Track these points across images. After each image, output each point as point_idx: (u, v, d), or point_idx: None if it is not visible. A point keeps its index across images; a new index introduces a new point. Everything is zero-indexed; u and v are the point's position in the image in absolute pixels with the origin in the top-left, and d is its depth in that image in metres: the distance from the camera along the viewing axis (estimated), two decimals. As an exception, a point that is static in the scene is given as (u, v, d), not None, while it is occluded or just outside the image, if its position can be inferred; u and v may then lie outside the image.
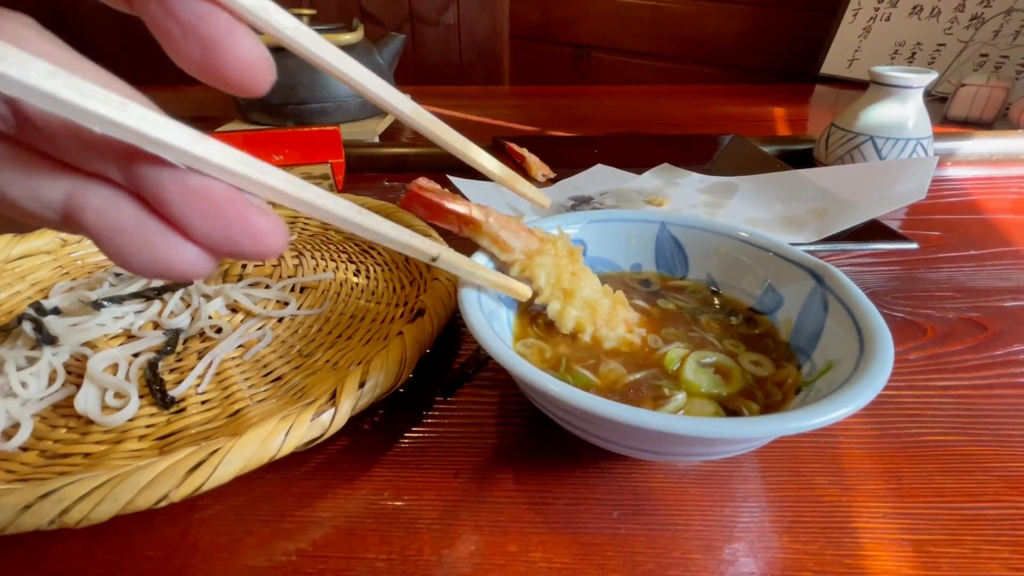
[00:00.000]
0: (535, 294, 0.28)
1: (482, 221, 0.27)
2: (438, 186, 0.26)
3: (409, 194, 0.26)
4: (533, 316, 0.30)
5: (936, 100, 0.90)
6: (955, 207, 0.56)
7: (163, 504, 0.21)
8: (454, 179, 0.51)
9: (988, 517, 0.24)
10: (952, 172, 0.64)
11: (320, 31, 0.74)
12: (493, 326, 0.25)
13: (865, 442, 0.28)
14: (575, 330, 0.28)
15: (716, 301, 0.32)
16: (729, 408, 0.25)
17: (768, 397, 0.25)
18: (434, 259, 0.22)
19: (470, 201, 0.27)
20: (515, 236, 0.27)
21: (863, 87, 0.58)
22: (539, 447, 0.28)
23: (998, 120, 0.80)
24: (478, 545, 0.23)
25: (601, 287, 0.29)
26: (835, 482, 0.25)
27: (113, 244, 0.14)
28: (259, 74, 0.14)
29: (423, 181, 0.26)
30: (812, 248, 0.42)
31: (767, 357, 0.27)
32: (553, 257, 0.28)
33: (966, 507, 0.24)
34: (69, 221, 0.14)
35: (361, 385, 0.26)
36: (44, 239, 0.42)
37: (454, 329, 0.36)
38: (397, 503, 0.25)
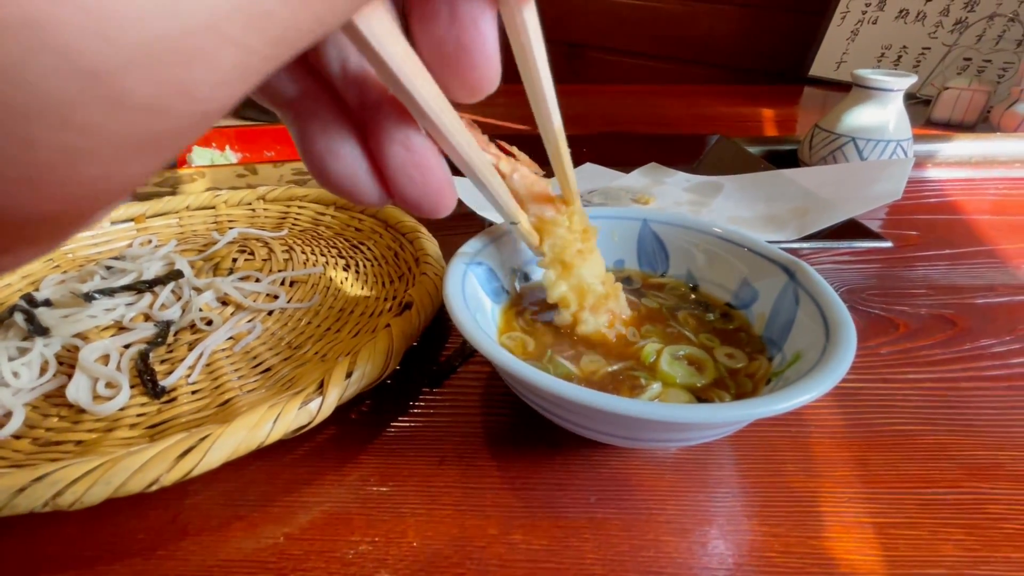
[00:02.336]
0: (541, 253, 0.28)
1: (507, 175, 0.26)
2: (478, 129, 0.26)
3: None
4: (519, 311, 0.31)
5: (920, 103, 0.92)
6: (934, 207, 0.57)
7: (154, 488, 0.22)
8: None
9: (946, 502, 0.25)
10: (932, 173, 0.66)
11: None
12: (478, 320, 0.26)
13: (835, 431, 0.29)
14: (559, 303, 0.29)
15: (693, 297, 0.33)
16: (702, 398, 0.26)
17: (739, 388, 0.26)
18: (514, 223, 0.26)
19: (500, 152, 0.26)
20: (533, 200, 0.27)
21: (850, 89, 0.60)
22: (521, 436, 0.28)
23: (979, 123, 0.82)
24: (461, 528, 0.24)
25: (604, 273, 0.29)
26: (804, 469, 0.26)
27: (317, 170, 0.16)
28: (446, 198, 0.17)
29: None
30: (793, 246, 0.43)
31: (741, 350, 0.28)
32: (565, 229, 0.28)
33: (926, 492, 0.25)
34: (288, 121, 0.16)
35: (348, 375, 0.27)
36: (35, 232, 0.43)
37: (441, 323, 0.37)
38: (383, 489, 0.25)
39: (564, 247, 0.28)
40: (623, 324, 0.30)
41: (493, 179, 0.21)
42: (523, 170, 0.27)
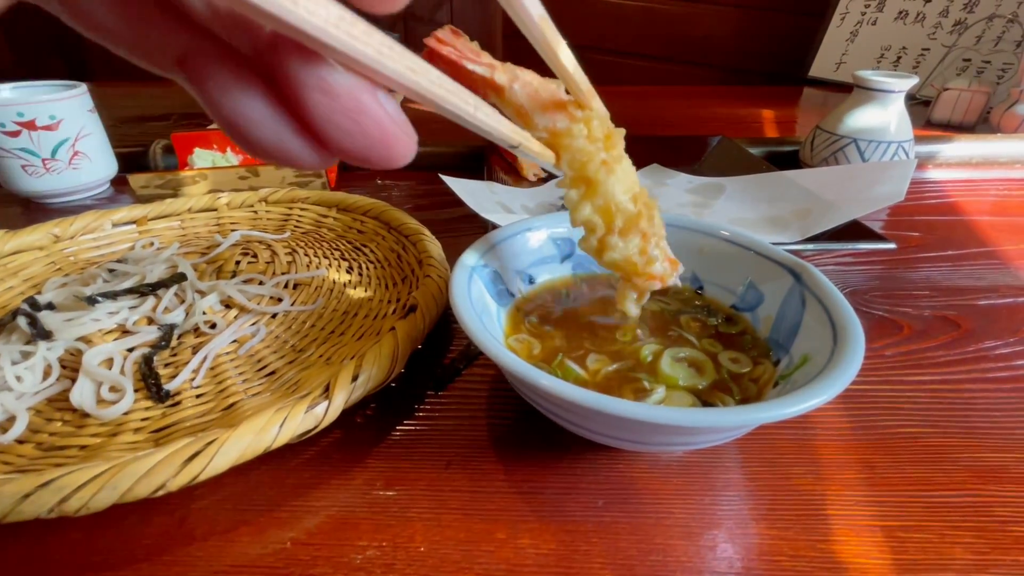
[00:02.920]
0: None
1: (505, 87, 0.22)
2: (464, 38, 0.22)
3: (428, 49, 0.22)
4: (525, 313, 0.31)
5: (920, 104, 0.92)
6: (935, 208, 0.57)
7: (160, 493, 0.22)
8: (446, 178, 0.51)
9: (954, 505, 0.25)
10: (933, 174, 0.66)
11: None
12: (483, 322, 0.25)
13: (841, 434, 0.29)
14: (584, 227, 0.25)
15: (697, 302, 0.33)
16: (706, 402, 0.26)
17: (744, 392, 0.26)
18: (515, 147, 0.21)
19: (494, 61, 0.23)
20: (542, 110, 0.23)
21: (850, 90, 0.60)
22: (527, 439, 0.28)
23: (979, 123, 0.82)
24: (468, 533, 0.24)
25: (635, 187, 0.25)
26: (811, 472, 0.26)
27: (233, 131, 0.14)
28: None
29: (444, 33, 0.22)
30: (795, 248, 0.43)
31: (745, 355, 0.28)
32: (584, 139, 0.23)
33: (934, 495, 0.25)
34: (185, 81, 0.14)
35: (354, 379, 0.27)
36: (37, 235, 0.43)
37: (445, 326, 0.37)
38: (389, 493, 0.25)
39: (586, 160, 0.23)
40: (658, 248, 0.26)
41: (466, 107, 0.17)
42: (525, 76, 0.23)
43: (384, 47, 0.13)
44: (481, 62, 0.22)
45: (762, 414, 0.19)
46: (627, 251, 0.25)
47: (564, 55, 0.21)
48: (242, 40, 0.14)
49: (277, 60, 0.13)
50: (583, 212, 0.24)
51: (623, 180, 0.24)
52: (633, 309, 0.28)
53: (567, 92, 0.23)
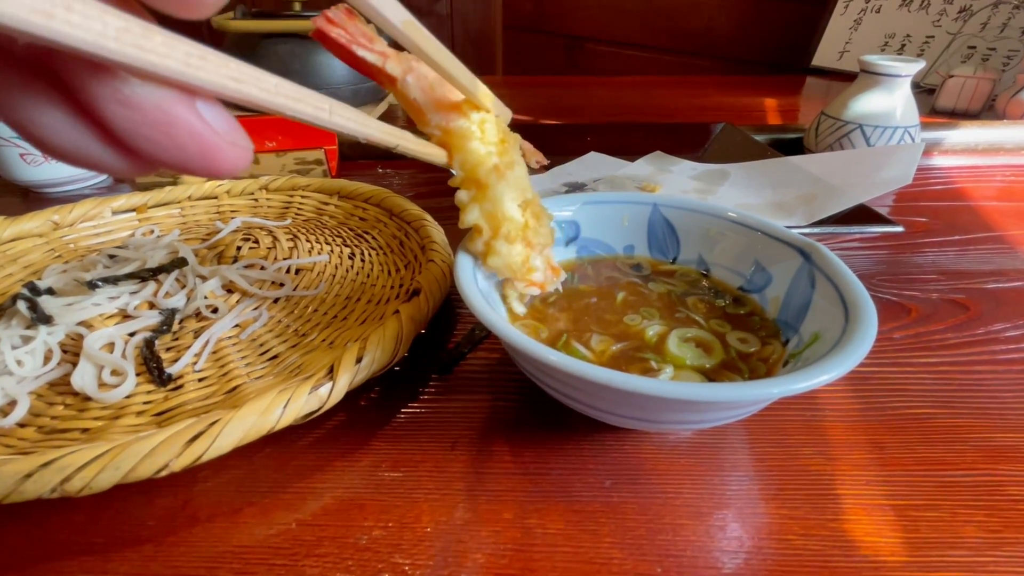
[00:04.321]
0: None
1: (398, 79, 0.21)
2: (359, 19, 0.21)
3: (316, 30, 0.20)
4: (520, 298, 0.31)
5: (924, 91, 0.91)
6: (941, 194, 0.57)
7: (164, 474, 0.21)
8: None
9: (965, 484, 0.25)
10: (938, 161, 0.65)
11: (311, 18, 0.74)
12: (489, 303, 0.25)
13: (850, 415, 0.28)
14: (472, 230, 0.25)
15: (704, 283, 0.32)
16: (715, 381, 0.25)
17: (753, 371, 0.26)
18: (392, 148, 0.20)
19: (388, 47, 0.22)
20: (435, 107, 0.22)
21: (853, 78, 0.59)
22: (533, 420, 0.28)
23: (984, 111, 0.82)
24: (475, 513, 0.23)
25: (527, 195, 0.25)
26: (820, 452, 0.26)
27: (36, 141, 0.12)
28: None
29: (335, 12, 0.21)
30: (802, 232, 0.42)
31: (754, 335, 0.28)
32: (477, 141, 0.23)
33: (945, 475, 0.25)
34: None
35: (358, 360, 0.26)
36: (36, 222, 0.42)
37: (448, 310, 0.37)
38: (395, 474, 0.25)
39: (476, 163, 0.23)
40: (541, 257, 0.26)
41: (319, 112, 0.16)
42: (421, 69, 0.22)
43: (193, 57, 0.12)
44: (373, 49, 0.21)
45: (776, 388, 0.18)
46: (510, 258, 0.26)
47: (443, 59, 0.20)
48: (18, 46, 0.11)
49: (64, 70, 0.11)
50: (471, 215, 0.25)
51: (514, 186, 0.24)
52: (517, 307, 0.29)
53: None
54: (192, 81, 0.12)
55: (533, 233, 0.26)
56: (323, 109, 0.16)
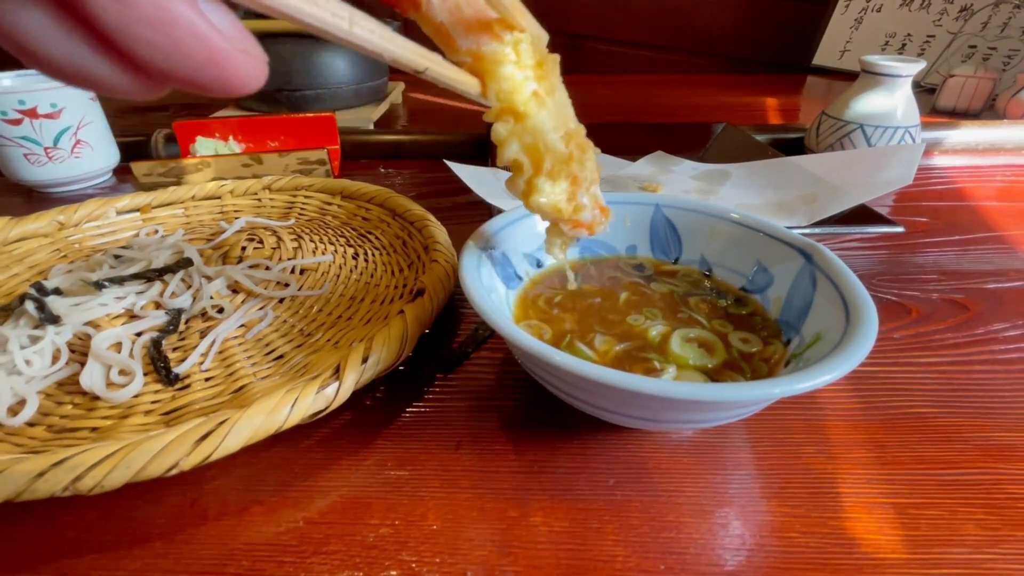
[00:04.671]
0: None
1: (422, 1, 0.20)
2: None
3: None
4: (533, 296, 0.31)
5: (925, 91, 0.91)
6: (941, 194, 0.57)
7: (173, 472, 0.22)
8: (451, 164, 0.51)
9: (965, 482, 0.25)
10: (939, 160, 0.66)
11: (314, 17, 0.74)
12: (493, 302, 0.25)
13: (850, 414, 0.29)
14: (511, 166, 0.23)
15: (707, 283, 0.33)
16: (717, 381, 0.26)
17: (755, 371, 0.26)
18: (420, 72, 0.18)
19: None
20: (465, 30, 0.20)
21: (854, 78, 0.59)
22: (537, 420, 0.28)
23: (985, 110, 0.82)
24: (480, 511, 0.24)
25: (569, 124, 0.23)
26: (821, 451, 0.26)
27: (24, 52, 0.11)
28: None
29: None
30: (802, 232, 0.43)
31: (756, 335, 0.28)
32: (513, 65, 0.21)
33: (945, 473, 0.25)
34: None
35: (364, 360, 0.27)
36: (41, 222, 0.43)
37: (452, 311, 0.37)
38: (400, 473, 0.25)
39: (513, 91, 0.21)
40: (588, 195, 0.24)
41: (337, 21, 0.14)
42: None
43: None
44: None
45: (778, 388, 0.19)
46: (555, 196, 0.23)
47: None
48: None
49: None
50: (510, 150, 0.22)
51: (555, 115, 0.22)
52: (559, 255, 0.27)
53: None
54: None
55: (579, 167, 0.23)
56: (342, 18, 0.14)
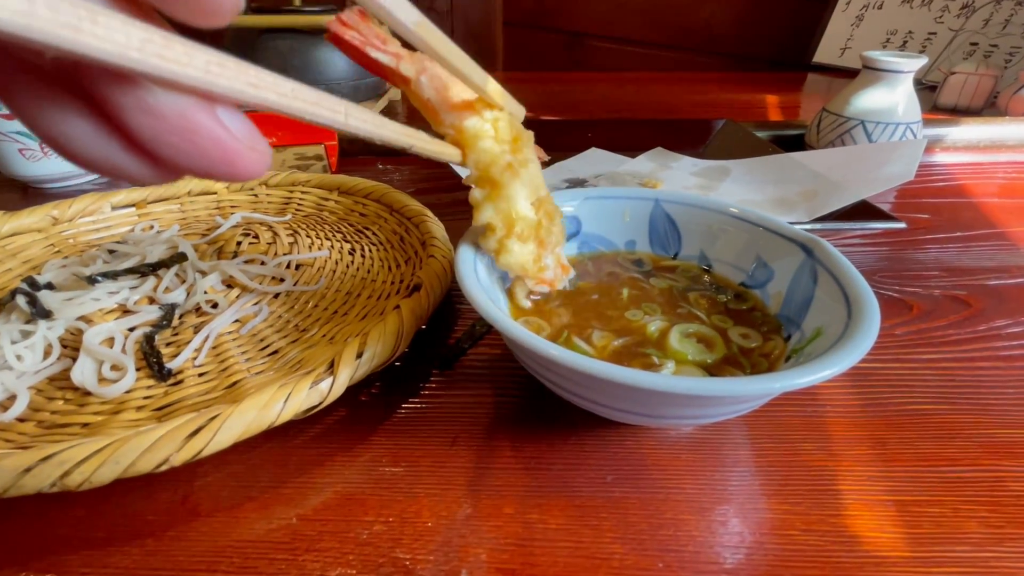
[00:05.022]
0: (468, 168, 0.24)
1: (412, 79, 0.22)
2: (372, 22, 0.21)
3: (331, 33, 0.21)
4: (529, 293, 0.31)
5: (926, 88, 0.91)
6: (943, 191, 0.57)
7: (164, 468, 0.21)
8: (456, 167, 0.51)
9: (967, 479, 0.24)
10: (940, 157, 0.65)
11: (313, 13, 0.73)
12: (490, 297, 0.25)
13: (851, 411, 0.28)
14: (486, 228, 0.25)
15: (706, 279, 0.32)
16: (716, 376, 0.25)
17: (755, 367, 0.26)
18: (406, 149, 0.21)
19: (401, 47, 0.22)
20: (449, 107, 0.23)
21: (855, 75, 0.59)
22: (534, 416, 0.28)
23: (986, 108, 0.81)
24: (476, 508, 0.23)
25: (539, 191, 0.26)
26: (822, 448, 0.26)
27: (61, 149, 0.13)
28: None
29: (349, 15, 0.21)
30: (804, 228, 0.42)
31: (755, 330, 0.28)
32: (491, 140, 0.23)
33: (947, 470, 0.25)
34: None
35: (359, 356, 0.26)
36: (35, 217, 0.42)
37: (449, 307, 0.37)
38: (395, 469, 0.25)
39: (490, 162, 0.23)
40: (552, 255, 0.27)
41: (335, 116, 0.16)
42: (434, 69, 0.22)
43: (214, 65, 0.12)
44: (387, 50, 0.21)
45: (778, 383, 0.18)
46: (522, 256, 0.26)
47: (456, 58, 0.20)
48: (45, 58, 0.11)
49: (90, 81, 0.12)
50: (485, 214, 0.25)
51: (527, 184, 0.25)
52: (524, 302, 0.29)
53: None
54: (212, 88, 0.12)
55: (546, 232, 0.26)
56: (339, 112, 0.16)
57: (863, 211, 0.43)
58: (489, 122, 0.23)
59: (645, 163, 0.58)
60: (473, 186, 0.25)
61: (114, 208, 0.45)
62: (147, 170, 0.14)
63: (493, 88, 0.23)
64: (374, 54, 0.21)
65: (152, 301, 0.34)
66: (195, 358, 0.31)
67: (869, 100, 0.57)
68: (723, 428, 0.27)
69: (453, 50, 0.20)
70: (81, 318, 0.32)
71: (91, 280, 0.33)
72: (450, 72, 0.21)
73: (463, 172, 0.25)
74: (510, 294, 0.29)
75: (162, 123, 0.12)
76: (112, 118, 0.12)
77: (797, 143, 0.66)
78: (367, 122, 0.18)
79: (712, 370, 0.26)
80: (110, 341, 0.31)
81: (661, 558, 0.21)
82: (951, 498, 0.24)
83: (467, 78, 0.22)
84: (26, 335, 0.30)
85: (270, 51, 0.72)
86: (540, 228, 0.26)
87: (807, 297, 0.27)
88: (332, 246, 0.42)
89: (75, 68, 0.12)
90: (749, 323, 0.28)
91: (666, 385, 0.18)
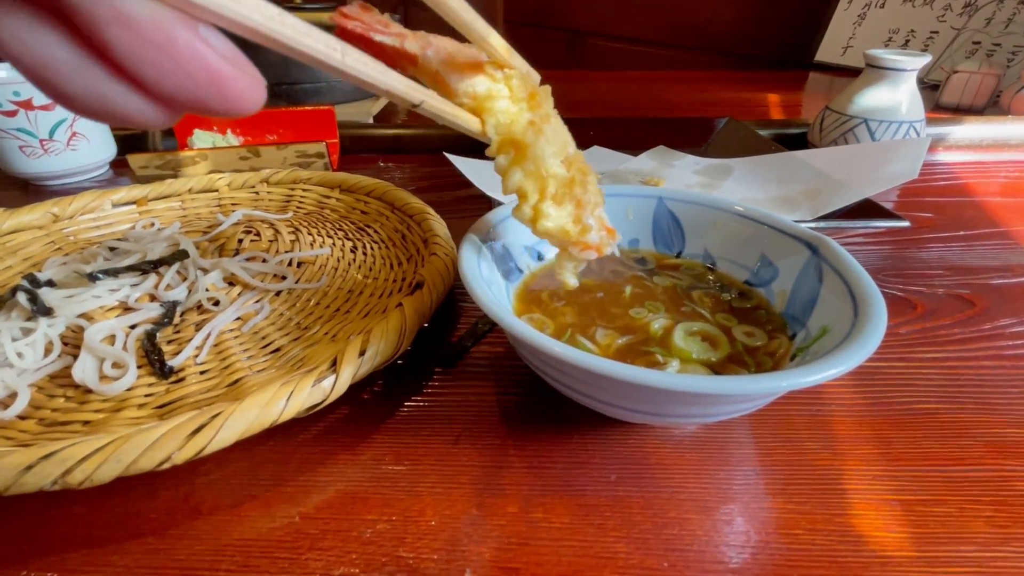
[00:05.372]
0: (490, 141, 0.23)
1: (418, 55, 0.21)
2: (373, 11, 0.21)
3: (338, 28, 0.21)
4: (534, 289, 0.31)
5: (928, 87, 0.91)
6: (945, 190, 0.57)
7: (166, 466, 0.21)
8: (451, 157, 0.51)
9: (972, 479, 0.24)
10: (943, 156, 0.65)
11: (313, 10, 0.73)
12: (494, 294, 0.25)
13: (856, 410, 0.28)
14: (517, 195, 0.24)
15: (710, 277, 0.32)
16: (721, 375, 0.25)
17: (760, 365, 0.26)
18: (415, 105, 0.20)
19: (405, 30, 0.22)
20: (461, 74, 0.22)
21: (857, 74, 0.59)
22: (537, 415, 0.28)
23: (989, 107, 0.81)
24: (479, 507, 0.23)
25: (568, 149, 0.24)
26: (826, 447, 0.26)
27: (50, 88, 0.12)
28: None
29: (350, 8, 0.21)
30: (807, 226, 0.42)
31: (760, 328, 0.28)
32: (506, 100, 0.22)
33: (952, 470, 0.25)
34: None
35: (361, 353, 0.26)
36: (36, 214, 0.42)
37: (452, 304, 0.37)
38: (398, 468, 0.25)
39: (511, 122, 0.22)
40: (594, 217, 0.25)
41: (331, 52, 0.15)
42: (439, 42, 0.21)
43: None
44: (390, 32, 0.21)
45: (785, 381, 0.18)
46: (561, 219, 0.24)
47: (463, 10, 0.20)
48: None
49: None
50: (514, 179, 0.23)
51: (553, 141, 0.23)
52: (571, 280, 0.27)
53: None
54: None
55: (582, 189, 0.24)
56: (335, 49, 0.15)
57: (867, 210, 0.43)
58: (501, 81, 0.22)
59: (647, 161, 0.58)
60: (496, 154, 0.23)
61: (115, 205, 0.45)
62: (137, 102, 0.13)
63: (496, 41, 0.22)
64: (378, 38, 0.21)
65: (153, 299, 0.34)
66: (197, 356, 0.30)
67: (872, 98, 0.56)
68: (727, 426, 0.27)
69: (464, 4, 0.19)
70: (82, 315, 0.32)
71: (92, 277, 0.33)
72: (459, 26, 0.20)
73: (481, 139, 0.23)
74: (559, 270, 0.27)
75: (137, 35, 0.12)
76: (89, 35, 0.12)
77: (799, 142, 0.66)
78: (367, 64, 0.16)
79: (717, 368, 0.26)
80: (111, 339, 0.31)
81: (666, 557, 0.21)
82: (956, 498, 0.23)
83: (479, 35, 0.21)
84: (27, 332, 0.30)
85: (270, 48, 0.71)
86: (575, 185, 0.24)
87: (813, 295, 0.26)
88: (334, 244, 0.41)
89: None
90: (754, 321, 0.28)
91: (672, 383, 0.18)
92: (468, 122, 0.22)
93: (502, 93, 0.22)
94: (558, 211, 0.24)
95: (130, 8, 0.11)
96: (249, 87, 0.13)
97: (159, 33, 0.12)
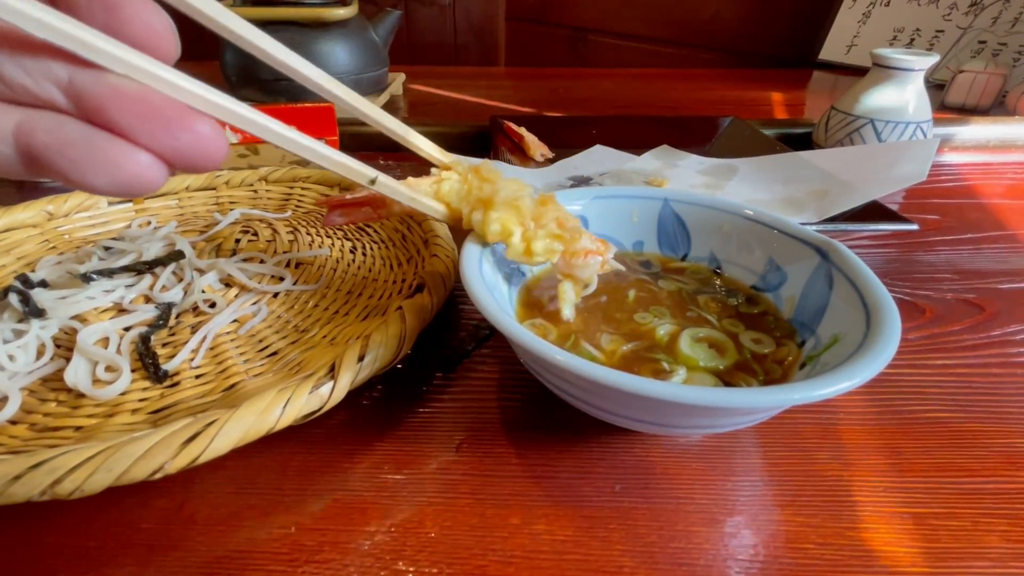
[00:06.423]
0: (460, 218, 0.27)
1: (385, 198, 0.26)
2: (339, 193, 0.27)
3: (327, 218, 0.29)
4: (537, 296, 0.30)
5: (934, 87, 0.90)
6: (952, 192, 0.56)
7: (158, 476, 0.21)
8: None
9: (986, 491, 0.24)
10: (949, 157, 0.64)
11: (314, 6, 0.72)
12: (495, 299, 0.24)
13: (865, 418, 0.28)
14: (502, 236, 0.26)
15: (717, 282, 0.31)
16: (729, 384, 0.24)
17: (768, 373, 0.25)
18: (372, 181, 0.24)
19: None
20: (413, 189, 0.26)
21: (861, 73, 0.58)
22: (540, 423, 0.27)
23: (995, 106, 0.81)
24: (481, 518, 0.23)
25: (523, 189, 0.27)
26: (836, 457, 0.25)
27: (66, 158, 0.14)
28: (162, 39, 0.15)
29: (323, 200, 0.28)
30: (814, 228, 0.41)
31: (768, 335, 0.27)
32: (456, 181, 0.27)
33: (965, 481, 0.24)
34: (23, 151, 0.15)
35: (360, 359, 0.26)
36: (30, 212, 0.41)
37: (452, 307, 0.36)
38: (398, 476, 0.24)
39: (468, 188, 0.26)
40: (576, 230, 0.27)
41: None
42: (387, 181, 0.25)
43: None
44: (357, 192, 0.27)
45: (798, 394, 0.18)
46: (549, 237, 0.26)
47: (402, 130, 0.25)
48: None
49: (76, 83, 0.14)
50: (494, 225, 0.26)
51: (507, 187, 0.26)
52: (568, 312, 0.28)
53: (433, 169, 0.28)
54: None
55: (553, 211, 0.27)
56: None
57: (874, 212, 0.43)
58: (445, 170, 0.27)
59: (651, 161, 0.58)
60: (471, 216, 0.26)
61: (110, 204, 0.44)
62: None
63: (450, 158, 0.27)
64: (349, 196, 0.28)
65: (148, 300, 0.33)
66: (192, 359, 0.30)
67: (879, 98, 0.56)
68: (734, 436, 0.26)
69: (413, 134, 0.25)
70: (75, 317, 0.31)
71: (86, 278, 0.33)
72: (409, 145, 0.26)
73: (449, 222, 0.28)
74: (563, 304, 0.28)
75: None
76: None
77: (804, 141, 0.65)
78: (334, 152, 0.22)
79: (724, 376, 0.25)
80: (105, 341, 0.30)
81: (672, 572, 0.21)
82: (969, 511, 0.23)
83: (429, 156, 0.26)
84: (18, 334, 0.30)
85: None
86: (547, 206, 0.27)
87: (822, 302, 0.26)
88: (333, 244, 0.41)
89: None
90: (761, 328, 0.28)
91: (680, 396, 0.18)
92: (437, 210, 0.26)
93: (451, 177, 0.27)
94: (545, 228, 0.26)
95: (132, 85, 0.15)
96: (218, 138, 0.16)
97: (144, 96, 0.15)
